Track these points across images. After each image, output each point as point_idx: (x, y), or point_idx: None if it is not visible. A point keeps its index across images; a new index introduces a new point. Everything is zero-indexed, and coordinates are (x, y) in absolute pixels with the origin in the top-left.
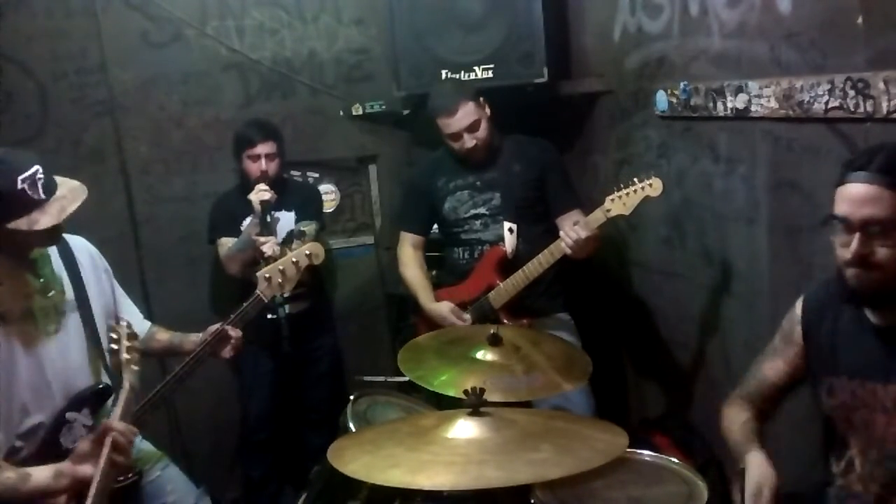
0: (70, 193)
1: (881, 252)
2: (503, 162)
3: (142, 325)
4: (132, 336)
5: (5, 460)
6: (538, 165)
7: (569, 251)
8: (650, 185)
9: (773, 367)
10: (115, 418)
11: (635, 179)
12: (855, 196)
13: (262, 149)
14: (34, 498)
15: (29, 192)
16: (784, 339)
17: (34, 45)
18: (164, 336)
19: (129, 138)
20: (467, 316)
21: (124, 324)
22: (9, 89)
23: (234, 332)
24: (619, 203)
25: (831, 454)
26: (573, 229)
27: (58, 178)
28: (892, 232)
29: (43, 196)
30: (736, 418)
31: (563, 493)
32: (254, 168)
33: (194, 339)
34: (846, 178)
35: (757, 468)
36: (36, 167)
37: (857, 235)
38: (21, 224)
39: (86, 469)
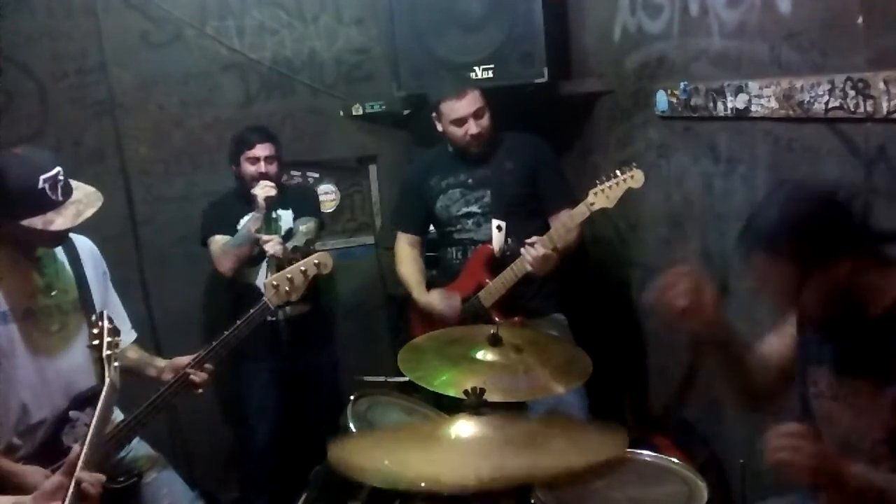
0: (85, 198)
1: None
2: (496, 159)
3: (128, 335)
4: (113, 332)
5: (4, 457)
6: (531, 162)
7: (529, 268)
8: (631, 176)
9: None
10: (89, 434)
11: (617, 172)
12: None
13: (261, 151)
14: None
15: (48, 193)
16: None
17: (34, 45)
18: (133, 355)
19: (129, 138)
20: (457, 296)
21: (106, 319)
22: (9, 89)
23: (199, 377)
24: (603, 196)
25: None
26: (534, 248)
27: (73, 182)
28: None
29: (61, 198)
30: None
31: (563, 493)
32: (252, 170)
33: (159, 364)
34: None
35: None
36: (58, 169)
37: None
38: (36, 223)
39: None
